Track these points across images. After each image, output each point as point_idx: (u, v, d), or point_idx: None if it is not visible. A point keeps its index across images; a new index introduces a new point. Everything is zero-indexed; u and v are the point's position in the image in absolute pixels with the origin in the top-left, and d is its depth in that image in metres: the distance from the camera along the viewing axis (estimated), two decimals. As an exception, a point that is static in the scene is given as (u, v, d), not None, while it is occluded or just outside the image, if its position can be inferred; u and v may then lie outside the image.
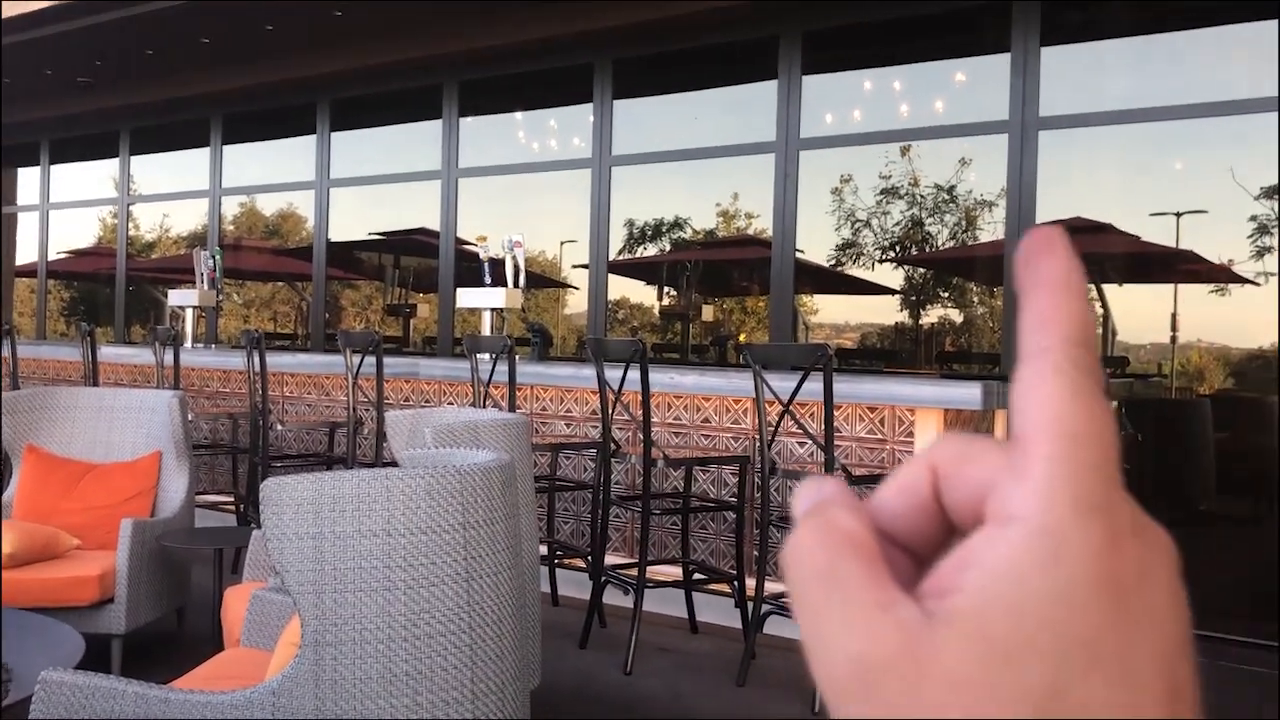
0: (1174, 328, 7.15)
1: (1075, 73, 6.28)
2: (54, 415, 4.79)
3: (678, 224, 8.96)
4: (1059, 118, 5.99)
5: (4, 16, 7.78)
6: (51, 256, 11.47)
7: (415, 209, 9.06)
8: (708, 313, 9.29)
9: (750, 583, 4.48)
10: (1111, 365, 7.36)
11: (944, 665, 0.26)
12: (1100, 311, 7.74)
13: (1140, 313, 7.49)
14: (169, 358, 6.54)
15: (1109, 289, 7.57)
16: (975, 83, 6.78)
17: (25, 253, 11.83)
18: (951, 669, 0.26)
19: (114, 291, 10.85)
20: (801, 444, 4.91)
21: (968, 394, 4.37)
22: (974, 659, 0.26)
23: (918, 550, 0.31)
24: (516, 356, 5.29)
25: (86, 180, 11.42)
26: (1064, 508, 0.27)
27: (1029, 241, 0.31)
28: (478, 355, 5.46)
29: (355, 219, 9.62)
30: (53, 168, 11.31)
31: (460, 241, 8.30)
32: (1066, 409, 0.28)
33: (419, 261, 10.11)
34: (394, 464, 4.10)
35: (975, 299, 8.58)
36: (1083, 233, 6.91)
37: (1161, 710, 0.27)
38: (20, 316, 12.11)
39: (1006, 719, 0.26)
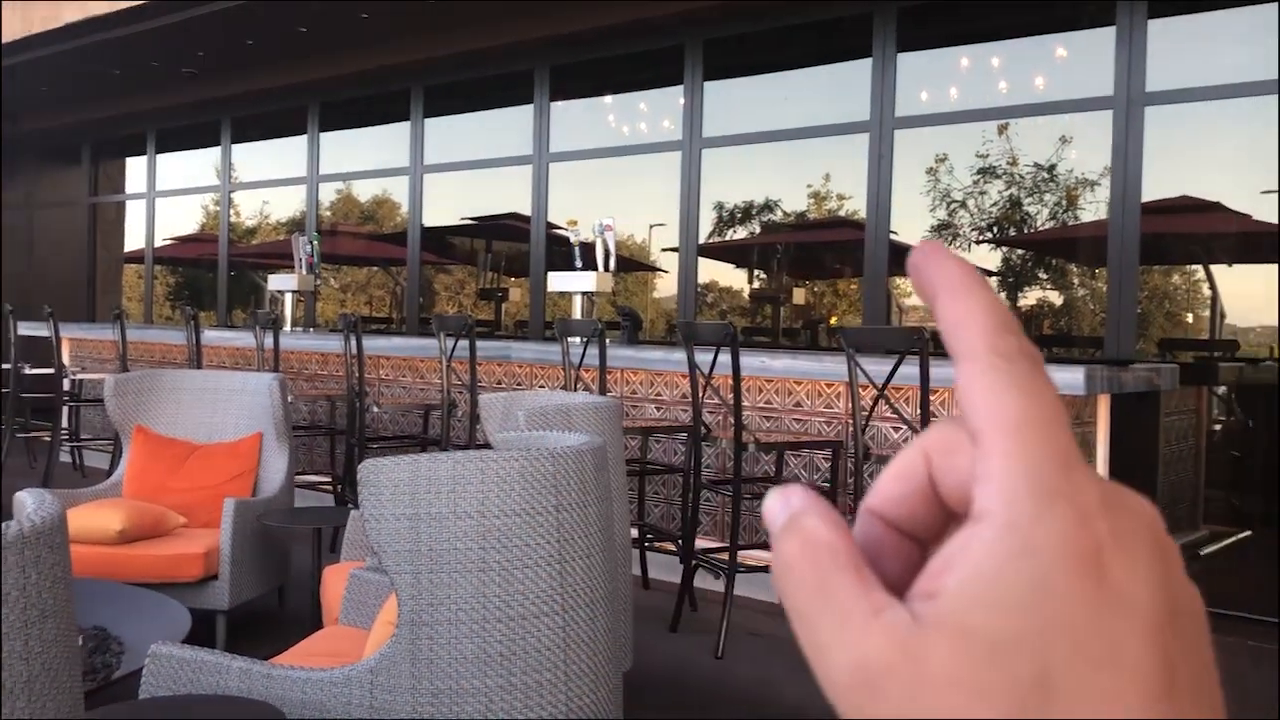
0: (1287, 310, 6.85)
1: (1183, 46, 6.05)
2: (161, 397, 4.94)
3: (768, 206, 8.88)
4: (1166, 93, 5.77)
5: (109, 11, 8.02)
6: (157, 243, 11.85)
7: (507, 194, 9.14)
8: (798, 296, 9.19)
9: (843, 569, 4.42)
10: (1221, 349, 7.10)
11: (936, 666, 0.27)
12: (1209, 293, 7.47)
13: (1251, 295, 7.20)
14: (269, 341, 6.70)
15: (1217, 270, 7.30)
16: (1078, 58, 6.57)
17: (133, 239, 12.24)
18: (943, 669, 0.27)
19: (216, 277, 11.17)
20: (896, 429, 4.83)
21: (1070, 379, 4.24)
22: (962, 658, 0.27)
23: (919, 535, 0.32)
24: (607, 340, 5.30)
25: (190, 168, 11.76)
26: (1024, 500, 0.28)
27: (913, 259, 0.32)
28: (569, 339, 5.48)
29: (448, 204, 9.74)
30: (159, 157, 11.67)
31: (551, 226, 8.34)
32: (1007, 402, 0.29)
33: (510, 246, 10.21)
34: (488, 446, 4.14)
35: (1076, 281, 8.35)
36: (1190, 212, 6.66)
37: (1154, 689, 0.27)
38: (129, 301, 12.54)
39: (1001, 715, 0.26)
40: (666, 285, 9.85)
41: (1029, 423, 0.28)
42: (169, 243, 12.00)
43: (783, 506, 0.31)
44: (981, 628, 0.27)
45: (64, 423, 8.22)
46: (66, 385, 8.28)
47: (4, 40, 8.91)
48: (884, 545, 0.32)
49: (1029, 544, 0.27)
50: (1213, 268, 7.41)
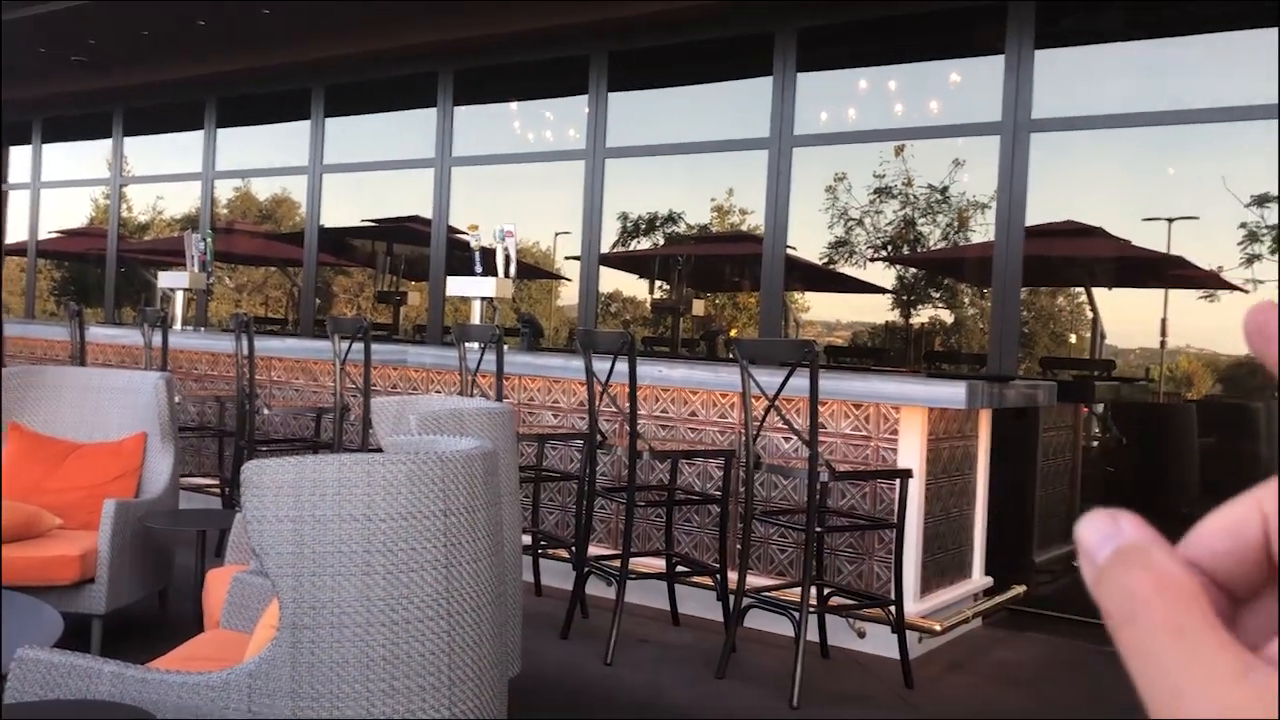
0: (1163, 332, 7.17)
1: (1069, 76, 6.30)
2: (39, 394, 4.77)
3: (672, 218, 8.96)
4: (1051, 120, 6.00)
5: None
6: (42, 236, 11.43)
7: (408, 197, 9.05)
8: (698, 307, 9.29)
9: (732, 576, 4.49)
10: (1098, 368, 7.40)
11: None
12: (1090, 315, 7.77)
13: (1129, 317, 7.50)
14: (157, 339, 6.52)
15: (1098, 292, 7.60)
16: (969, 84, 6.79)
17: (15, 231, 11.79)
18: None
19: (105, 272, 10.82)
20: (787, 439, 4.92)
21: (952, 393, 4.38)
22: None
23: (1235, 590, 0.32)
24: (505, 346, 5.29)
25: (79, 160, 11.38)
26: None
27: (1256, 319, 0.31)
28: (466, 344, 5.46)
29: (348, 205, 9.61)
30: (45, 147, 11.27)
31: (452, 230, 8.29)
32: None
33: (411, 249, 10.10)
34: (379, 450, 4.10)
35: (966, 300, 8.60)
36: (1073, 236, 6.93)
37: None
38: (9, 295, 12.07)
39: None
40: (571, 293, 9.86)
41: None
42: (55, 236, 11.59)
43: (1111, 532, 0.31)
44: None
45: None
46: (-61, 381, 7.94)
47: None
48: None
49: None
50: (1094, 290, 7.71)
